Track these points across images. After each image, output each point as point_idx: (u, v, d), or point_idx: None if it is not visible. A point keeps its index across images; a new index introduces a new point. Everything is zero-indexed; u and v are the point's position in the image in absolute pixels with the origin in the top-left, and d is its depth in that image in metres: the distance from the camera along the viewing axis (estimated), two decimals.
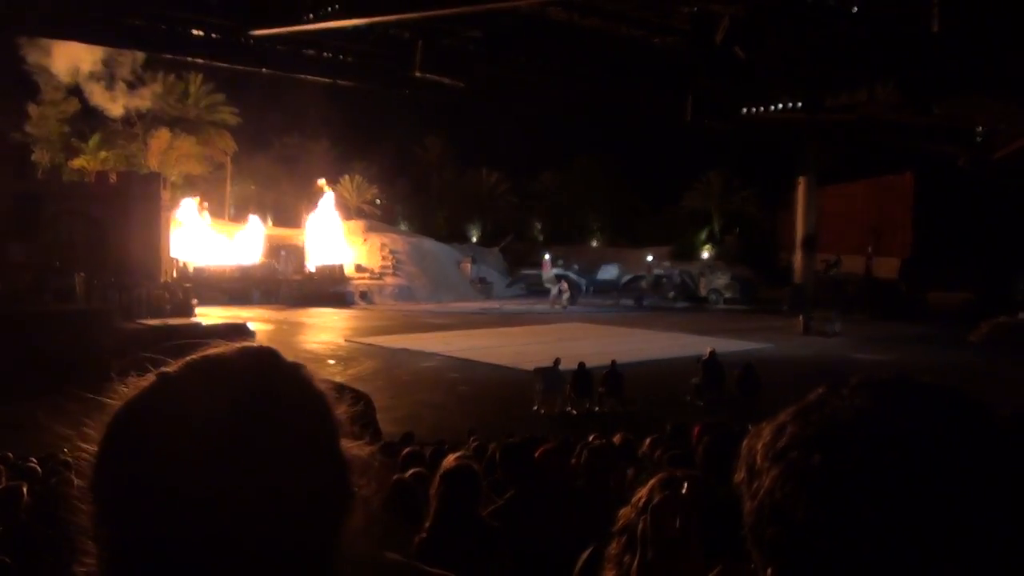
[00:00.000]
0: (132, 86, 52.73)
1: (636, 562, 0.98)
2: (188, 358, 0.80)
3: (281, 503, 0.74)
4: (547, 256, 58.07)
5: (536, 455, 4.73)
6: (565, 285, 47.92)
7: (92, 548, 0.75)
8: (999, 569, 0.59)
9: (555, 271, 54.77)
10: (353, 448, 0.83)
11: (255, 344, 0.83)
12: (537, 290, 53.88)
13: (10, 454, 8.86)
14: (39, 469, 7.02)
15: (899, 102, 33.70)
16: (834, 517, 0.62)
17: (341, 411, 0.83)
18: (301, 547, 0.76)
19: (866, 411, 0.66)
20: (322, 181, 57.94)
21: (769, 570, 0.68)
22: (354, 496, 0.82)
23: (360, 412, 0.86)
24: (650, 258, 58.07)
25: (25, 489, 4.89)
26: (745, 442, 0.74)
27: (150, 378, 0.79)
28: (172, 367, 0.79)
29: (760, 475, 0.69)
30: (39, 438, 11.56)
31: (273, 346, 0.86)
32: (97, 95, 50.52)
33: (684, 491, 0.95)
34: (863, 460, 0.63)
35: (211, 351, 0.81)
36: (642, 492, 1.69)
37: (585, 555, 2.59)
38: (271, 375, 0.81)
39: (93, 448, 0.77)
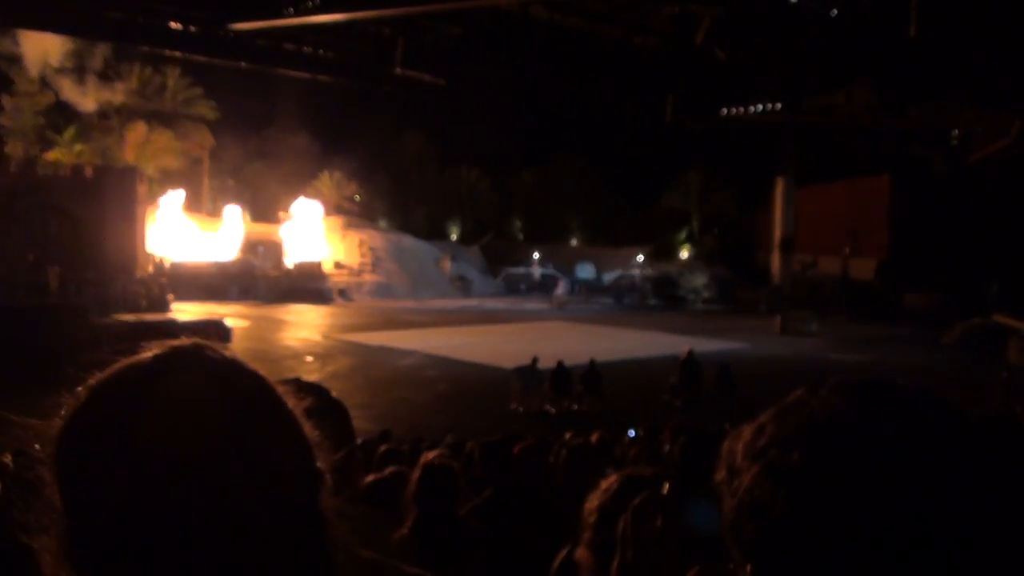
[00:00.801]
0: (106, 79, 52.17)
1: (616, 562, 0.98)
2: (119, 364, 0.81)
3: (243, 481, 0.74)
4: (537, 255, 58.30)
5: (514, 452, 4.73)
6: (565, 283, 48.14)
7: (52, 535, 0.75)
8: (972, 567, 0.61)
9: (541, 270, 55.03)
10: (306, 427, 0.83)
11: (180, 341, 0.84)
12: (521, 289, 54.00)
13: None
14: (11, 464, 6.94)
15: (876, 104, 34.02)
16: (812, 514, 0.64)
17: (284, 390, 0.84)
18: (279, 527, 0.76)
19: (843, 411, 0.68)
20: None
21: (748, 567, 0.69)
22: (320, 474, 0.82)
23: (314, 406, 0.86)
24: (640, 258, 58.23)
25: None
26: (725, 443, 0.76)
27: (94, 383, 0.80)
28: (104, 374, 0.80)
29: (740, 473, 0.70)
30: (11, 433, 11.43)
31: (249, 342, 0.86)
32: (67, 89, 49.89)
33: (665, 490, 0.96)
34: (840, 459, 0.65)
35: (136, 356, 0.81)
36: (594, 497, 1.70)
37: (562, 555, 2.60)
38: (217, 364, 0.82)
39: (51, 450, 0.77)
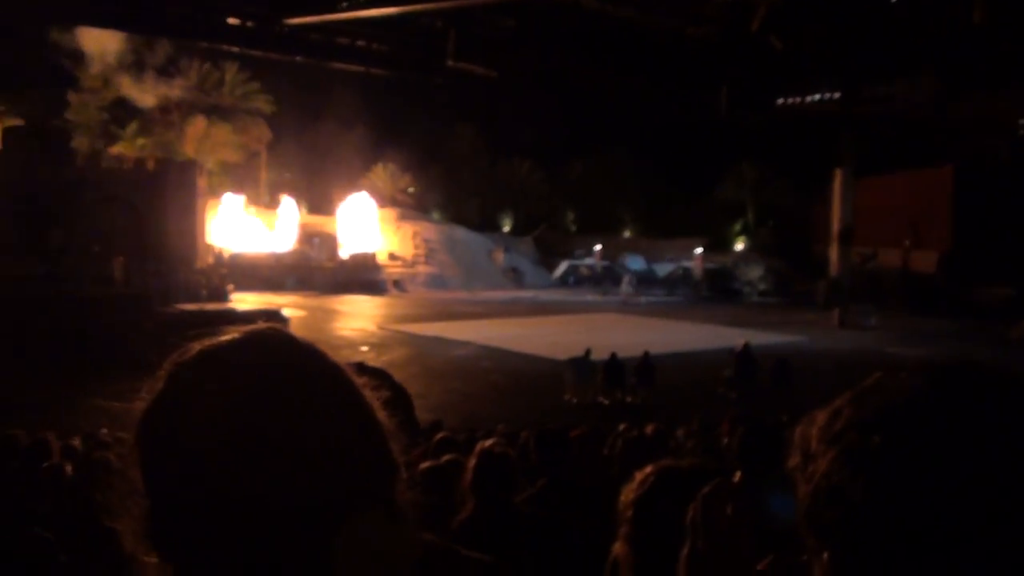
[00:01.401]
0: (166, 75, 53.31)
1: (685, 552, 0.99)
2: (204, 343, 0.83)
3: (325, 464, 0.76)
4: (598, 247, 57.74)
5: (570, 439, 4.75)
6: (632, 276, 47.44)
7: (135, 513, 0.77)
8: None
9: (604, 262, 54.63)
10: (383, 418, 0.84)
11: (264, 326, 0.86)
12: (570, 282, 53.58)
13: (52, 434, 9.05)
14: (80, 448, 7.18)
15: (939, 93, 33.13)
16: (892, 499, 0.62)
17: (363, 382, 0.85)
18: (355, 510, 0.77)
19: (928, 393, 0.66)
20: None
21: (825, 555, 0.67)
22: (398, 465, 0.84)
23: (389, 397, 0.88)
24: (699, 250, 57.24)
25: (69, 467, 5.01)
26: (798, 428, 0.74)
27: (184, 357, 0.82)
28: (189, 352, 0.82)
29: (815, 459, 0.69)
30: (80, 419, 11.81)
31: (305, 332, 0.88)
32: (127, 86, 51.06)
33: (737, 479, 0.96)
34: (924, 442, 0.62)
35: (224, 337, 0.83)
36: (629, 490, 1.69)
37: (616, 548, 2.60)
38: (299, 348, 0.84)
39: (131, 434, 0.79)
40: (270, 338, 0.83)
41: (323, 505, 0.75)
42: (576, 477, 4.15)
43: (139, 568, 0.77)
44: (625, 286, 45.67)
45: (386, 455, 0.83)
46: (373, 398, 0.84)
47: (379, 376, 1.43)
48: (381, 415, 0.84)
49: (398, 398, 1.48)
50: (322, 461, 0.76)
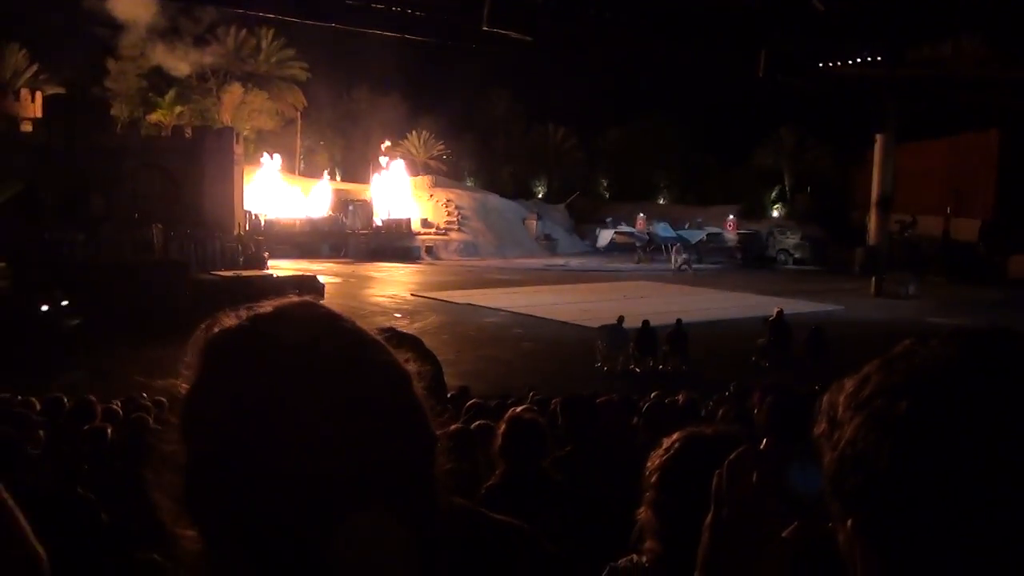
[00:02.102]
0: (204, 42, 53.56)
1: (710, 519, 0.99)
2: (239, 317, 0.83)
3: (367, 439, 0.76)
4: (642, 215, 56.60)
5: (597, 402, 4.76)
6: (683, 246, 46.03)
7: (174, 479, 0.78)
8: None
9: (648, 230, 53.15)
10: (420, 392, 0.85)
11: (296, 299, 0.86)
12: (625, 249, 51.63)
13: (93, 397, 9.26)
14: (120, 412, 7.34)
15: (986, 55, 32.23)
16: (919, 467, 0.61)
17: (404, 358, 0.85)
18: (396, 485, 0.78)
19: (958, 359, 0.64)
20: (386, 144, 58.20)
21: (849, 521, 0.67)
22: (436, 439, 0.84)
23: (426, 371, 0.88)
24: (731, 217, 56.07)
25: (109, 430, 5.13)
26: (826, 396, 0.73)
27: (242, 316, 0.82)
28: (257, 310, 0.82)
29: (842, 425, 0.68)
30: (120, 383, 12.06)
31: (339, 299, 0.88)
32: (161, 54, 51.29)
33: (763, 447, 0.95)
34: (952, 409, 0.61)
35: (259, 310, 0.83)
36: (655, 456, 1.69)
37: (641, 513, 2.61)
38: (336, 321, 0.84)
39: (188, 379, 0.80)
40: (305, 311, 0.83)
41: (362, 480, 0.75)
42: (602, 444, 4.17)
43: (177, 540, 0.78)
44: (675, 256, 44.18)
45: (425, 428, 0.83)
46: (412, 372, 0.84)
47: (413, 346, 1.44)
48: (418, 389, 0.84)
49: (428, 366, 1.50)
50: (360, 436, 0.76)
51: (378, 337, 0.85)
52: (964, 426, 0.60)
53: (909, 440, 0.62)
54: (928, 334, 0.70)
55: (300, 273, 32.07)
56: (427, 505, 0.81)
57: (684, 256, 43.98)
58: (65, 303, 21.14)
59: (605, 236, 54.05)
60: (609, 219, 56.13)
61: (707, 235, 53.54)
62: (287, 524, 0.73)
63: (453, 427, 4.20)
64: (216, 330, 0.81)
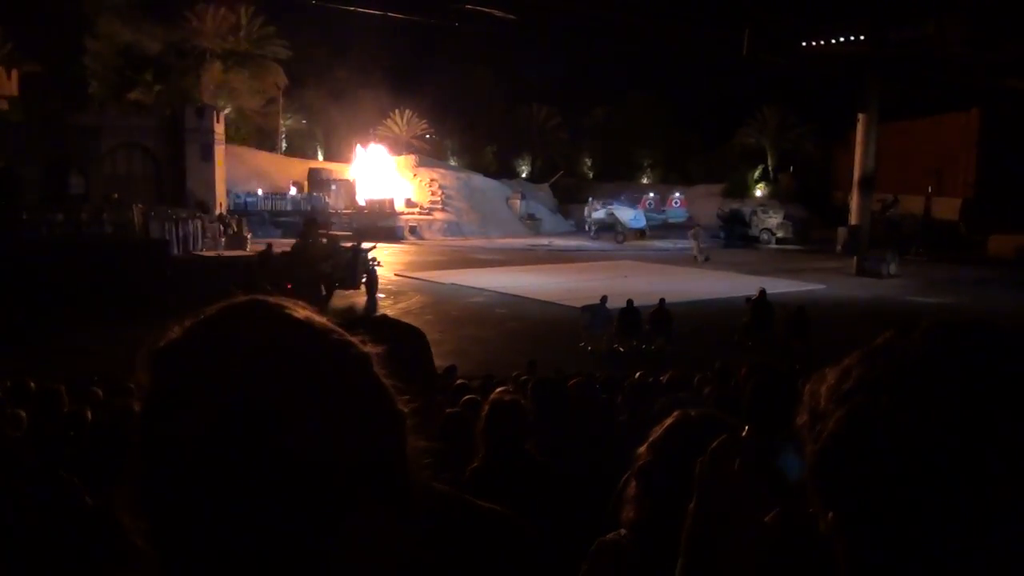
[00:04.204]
0: (182, 19, 52.84)
1: (693, 505, 0.99)
2: (207, 310, 0.82)
3: (332, 427, 0.75)
4: (651, 194, 55.66)
5: (568, 385, 4.78)
6: (701, 230, 42.60)
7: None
8: None
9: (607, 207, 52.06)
10: (383, 376, 0.84)
11: (243, 298, 0.84)
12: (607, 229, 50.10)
13: (74, 378, 9.21)
14: (100, 393, 7.29)
15: (967, 36, 32.36)
16: (900, 460, 0.61)
17: (360, 340, 0.84)
18: (370, 468, 0.78)
19: (937, 353, 0.65)
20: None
21: (830, 514, 0.68)
22: (404, 416, 0.84)
23: (395, 351, 0.87)
24: (678, 194, 55.14)
25: (89, 413, 5.09)
26: (807, 386, 0.73)
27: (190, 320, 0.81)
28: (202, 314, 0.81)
29: (824, 418, 0.69)
30: (100, 363, 11.99)
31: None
32: (134, 31, 50.36)
33: (744, 433, 0.96)
34: (932, 402, 0.61)
35: (204, 314, 0.82)
36: (657, 432, 1.72)
37: (623, 484, 2.63)
38: (285, 314, 0.82)
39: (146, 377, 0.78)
40: (252, 308, 0.82)
41: (334, 471, 0.74)
42: (574, 424, 4.19)
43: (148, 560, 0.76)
44: (693, 241, 40.49)
45: (390, 407, 0.83)
46: (371, 353, 0.84)
47: (381, 328, 1.43)
48: (379, 369, 0.84)
49: (411, 347, 1.49)
50: (326, 424, 0.75)
51: (331, 323, 0.84)
52: (944, 419, 0.60)
53: (890, 434, 0.62)
54: (908, 326, 0.70)
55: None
56: (402, 485, 0.81)
57: (699, 240, 40.43)
58: None
59: (596, 214, 51.49)
60: (592, 198, 55.52)
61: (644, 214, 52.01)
62: (260, 534, 0.72)
63: (448, 412, 4.20)
64: (162, 343, 0.79)
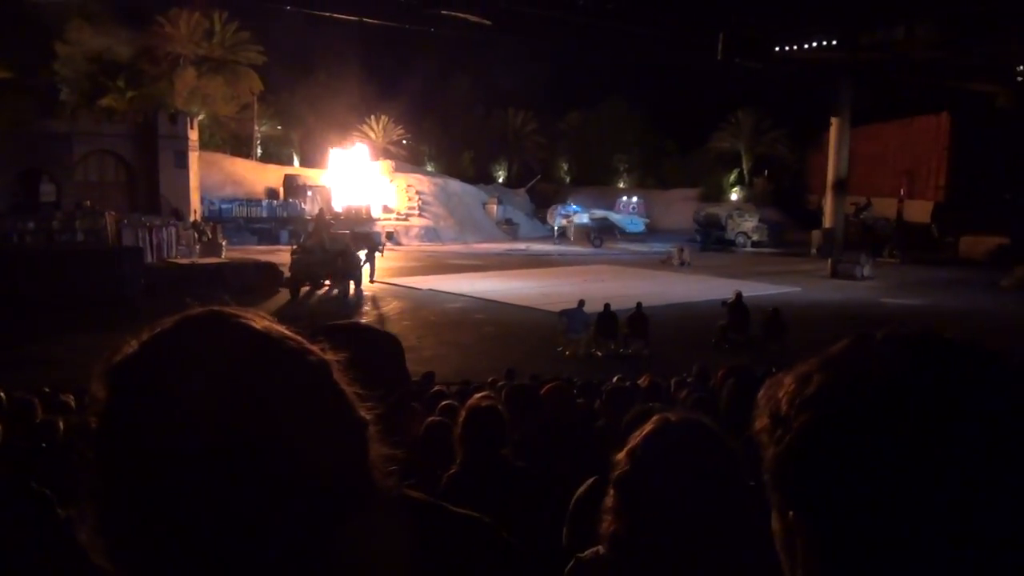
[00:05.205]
0: (156, 24, 52.39)
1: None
2: (163, 323, 0.80)
3: (292, 436, 0.75)
4: (635, 198, 55.82)
5: (542, 392, 4.77)
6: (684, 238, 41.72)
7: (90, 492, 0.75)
8: (1016, 516, 0.61)
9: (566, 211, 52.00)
10: (343, 383, 0.83)
11: (198, 310, 0.83)
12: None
13: (46, 388, 9.09)
14: (72, 403, 7.20)
15: (938, 40, 32.79)
16: (861, 466, 0.64)
17: (320, 348, 0.84)
18: (332, 477, 0.76)
19: (892, 365, 0.68)
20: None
21: (791, 513, 0.70)
22: (365, 423, 0.83)
23: (358, 357, 0.86)
24: (635, 198, 55.31)
25: (61, 423, 5.02)
26: (763, 392, 0.76)
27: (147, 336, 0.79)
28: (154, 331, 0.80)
29: (786, 422, 0.71)
30: (73, 373, 11.84)
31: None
32: (109, 35, 49.82)
33: None
34: (896, 414, 0.65)
35: (159, 328, 0.80)
36: (636, 438, 1.69)
37: (584, 488, 2.62)
38: (243, 323, 0.81)
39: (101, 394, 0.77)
40: (208, 320, 0.81)
41: (294, 478, 0.73)
42: (548, 430, 4.18)
43: None
44: (676, 249, 39.80)
45: (350, 414, 0.82)
46: (331, 360, 0.83)
47: (351, 334, 1.41)
48: (340, 376, 0.83)
49: (381, 353, 1.47)
50: (285, 433, 0.74)
51: (290, 331, 0.84)
52: (907, 430, 0.64)
53: (852, 441, 0.65)
54: (865, 335, 0.73)
55: (257, 259, 31.66)
56: (364, 491, 0.80)
57: (681, 249, 40.03)
58: None
59: (579, 220, 51.21)
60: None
61: (591, 218, 51.87)
62: (220, 548, 0.71)
63: (429, 419, 4.18)
64: (118, 357, 0.78)
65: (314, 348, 0.83)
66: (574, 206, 52.77)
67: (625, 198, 57.08)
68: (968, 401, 0.65)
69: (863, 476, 0.64)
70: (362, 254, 28.49)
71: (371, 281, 28.37)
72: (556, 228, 51.32)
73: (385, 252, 28.74)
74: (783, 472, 0.70)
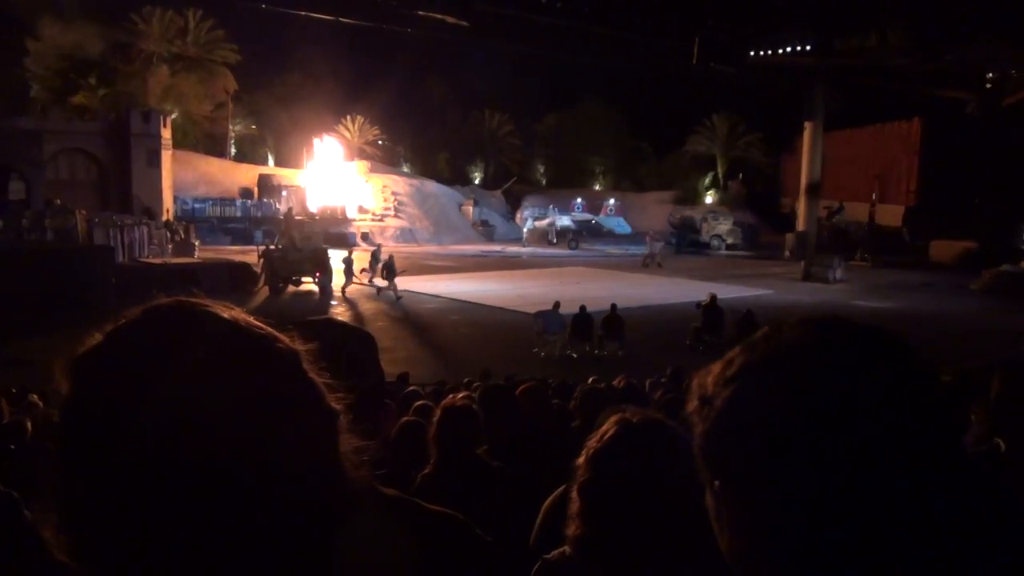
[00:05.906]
0: (128, 22, 51.85)
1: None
2: (129, 313, 0.79)
3: (261, 426, 0.74)
4: (613, 200, 56.18)
5: (516, 393, 4.77)
6: (658, 238, 41.83)
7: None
8: (912, 483, 0.67)
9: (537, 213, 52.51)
10: (312, 372, 0.83)
11: (164, 300, 0.82)
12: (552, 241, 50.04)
13: (13, 389, 8.96)
14: (40, 403, 7.11)
15: (910, 47, 33.21)
16: (776, 434, 0.70)
17: (289, 337, 0.83)
18: (302, 467, 0.76)
19: (801, 343, 0.76)
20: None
21: (716, 483, 0.76)
22: (336, 414, 0.82)
23: (326, 349, 0.86)
24: (579, 200, 55.83)
25: (29, 423, 4.95)
26: (695, 379, 0.83)
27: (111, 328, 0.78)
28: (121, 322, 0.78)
29: (712, 400, 0.78)
30: (41, 374, 11.67)
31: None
32: (81, 32, 49.18)
33: None
34: (802, 383, 0.71)
35: (143, 307, 0.79)
36: (592, 440, 1.70)
37: (555, 495, 2.62)
38: (210, 313, 0.80)
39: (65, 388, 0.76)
40: (174, 310, 0.80)
41: (263, 470, 0.73)
42: (523, 431, 4.18)
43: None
44: (652, 245, 39.86)
45: (320, 404, 0.82)
46: (300, 350, 0.82)
47: (323, 328, 1.40)
48: (310, 366, 0.82)
49: (353, 346, 1.46)
50: (254, 423, 0.74)
51: (258, 321, 0.83)
52: (814, 399, 0.70)
53: (768, 411, 0.72)
54: (782, 322, 0.83)
55: (230, 259, 31.42)
56: (335, 484, 0.79)
57: (656, 249, 39.86)
58: None
59: (558, 222, 51.12)
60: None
61: (573, 220, 51.91)
62: (186, 542, 0.70)
63: (403, 419, 4.16)
64: (82, 349, 0.77)
65: (283, 337, 0.83)
66: (554, 208, 53.18)
67: (578, 200, 57.35)
68: (862, 375, 0.71)
69: (775, 443, 0.70)
70: (340, 260, 28.21)
71: (397, 298, 26.22)
72: (524, 231, 51.40)
73: (355, 253, 28.75)
74: (708, 445, 0.76)
